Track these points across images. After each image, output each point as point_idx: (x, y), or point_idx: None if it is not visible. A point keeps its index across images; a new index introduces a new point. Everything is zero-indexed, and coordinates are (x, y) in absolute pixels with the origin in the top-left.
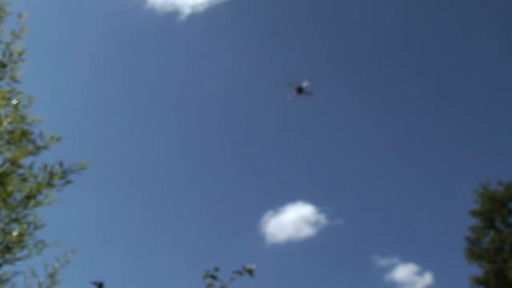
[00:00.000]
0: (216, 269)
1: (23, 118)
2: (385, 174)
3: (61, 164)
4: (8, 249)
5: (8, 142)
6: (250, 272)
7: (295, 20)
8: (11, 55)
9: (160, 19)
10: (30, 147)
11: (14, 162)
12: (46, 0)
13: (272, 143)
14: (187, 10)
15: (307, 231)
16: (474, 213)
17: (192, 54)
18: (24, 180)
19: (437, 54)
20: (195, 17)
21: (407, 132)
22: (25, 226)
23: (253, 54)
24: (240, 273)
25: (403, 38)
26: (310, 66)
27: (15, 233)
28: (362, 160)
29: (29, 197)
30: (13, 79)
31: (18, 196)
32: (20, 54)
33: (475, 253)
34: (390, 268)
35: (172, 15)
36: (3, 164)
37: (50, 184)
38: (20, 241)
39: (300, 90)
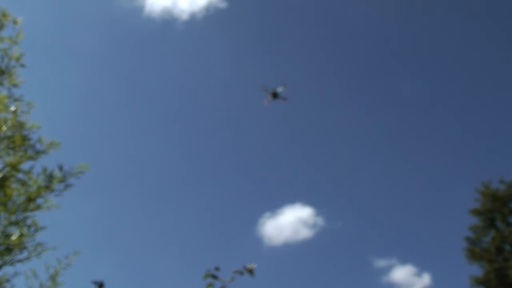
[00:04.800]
0: (217, 269)
1: (22, 124)
2: (383, 175)
3: (61, 168)
4: (8, 251)
5: (8, 147)
6: (250, 272)
7: (292, 24)
8: (9, 60)
9: (157, 26)
10: (30, 152)
11: (13, 167)
12: (44, 8)
13: (270, 145)
14: (184, 17)
15: (305, 233)
16: (475, 212)
17: (189, 60)
18: (23, 184)
19: (437, 54)
20: (192, 24)
21: (405, 133)
22: (24, 229)
23: (250, 59)
24: (241, 273)
25: (403, 37)
26: (309, 67)
27: (14, 236)
28: (361, 162)
29: (28, 200)
30: (12, 84)
31: (18, 199)
32: (18, 59)
33: (475, 253)
34: (388, 269)
35: (169, 22)
36: (3, 169)
37: (49, 188)
38: (20, 243)
39: (275, 95)
